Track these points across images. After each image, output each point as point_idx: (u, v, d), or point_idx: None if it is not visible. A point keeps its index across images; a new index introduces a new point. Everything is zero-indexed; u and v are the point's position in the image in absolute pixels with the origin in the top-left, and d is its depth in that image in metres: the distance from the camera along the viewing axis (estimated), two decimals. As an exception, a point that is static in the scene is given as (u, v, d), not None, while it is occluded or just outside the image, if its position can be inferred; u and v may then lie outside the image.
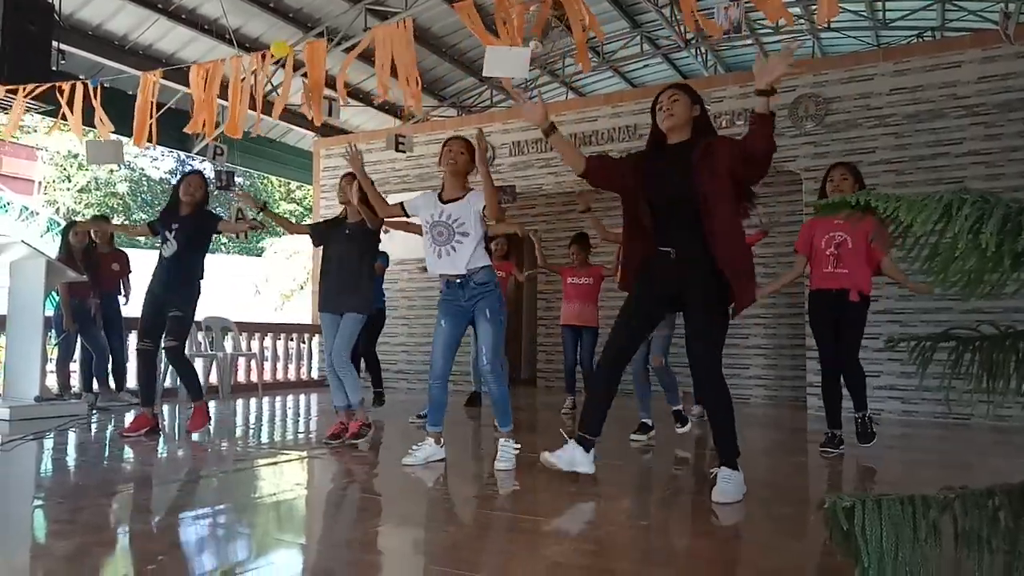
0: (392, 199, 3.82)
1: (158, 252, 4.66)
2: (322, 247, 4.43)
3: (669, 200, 3.01)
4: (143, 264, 6.92)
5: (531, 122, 3.18)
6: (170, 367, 6.16)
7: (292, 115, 9.52)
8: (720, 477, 2.88)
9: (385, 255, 5.76)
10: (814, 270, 4.12)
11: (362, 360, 5.90)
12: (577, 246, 6.13)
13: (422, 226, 3.66)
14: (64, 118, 5.95)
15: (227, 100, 5.61)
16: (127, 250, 7.00)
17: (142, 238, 5.49)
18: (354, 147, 3.92)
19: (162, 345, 4.60)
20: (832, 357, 4.09)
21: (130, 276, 6.64)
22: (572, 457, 3.11)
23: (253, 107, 5.54)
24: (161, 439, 4.43)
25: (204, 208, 4.69)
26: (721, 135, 3.12)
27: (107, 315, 6.38)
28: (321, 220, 4.66)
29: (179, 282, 4.51)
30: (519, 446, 3.57)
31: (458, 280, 3.56)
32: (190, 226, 4.55)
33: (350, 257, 4.21)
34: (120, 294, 6.57)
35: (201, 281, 4.63)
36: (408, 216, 3.80)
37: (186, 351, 4.75)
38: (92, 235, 6.36)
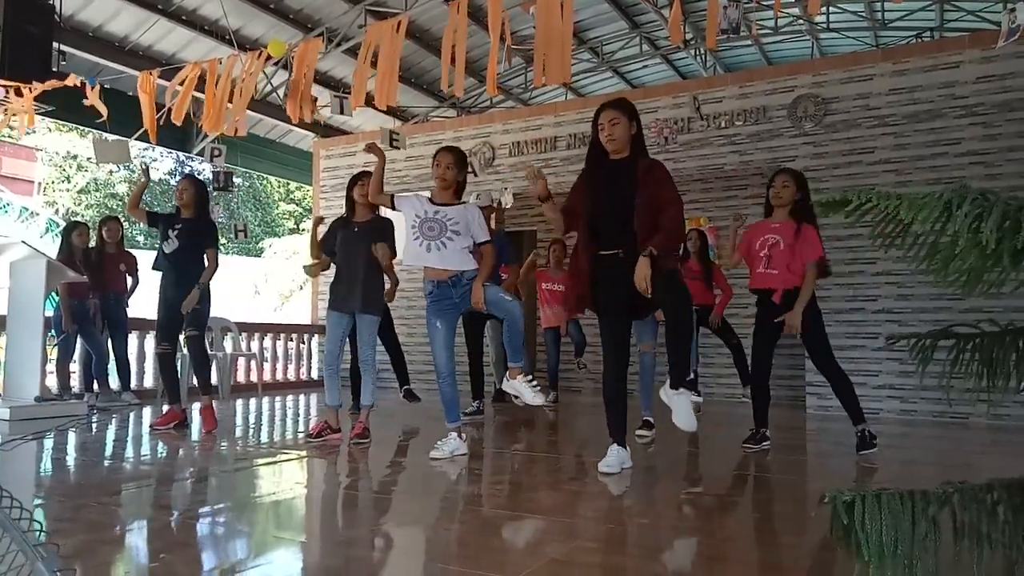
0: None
1: (158, 249, 4.84)
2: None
3: (616, 211, 3.29)
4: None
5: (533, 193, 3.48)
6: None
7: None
8: (684, 398, 3.18)
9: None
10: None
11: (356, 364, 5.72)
12: (555, 247, 6.48)
13: (406, 222, 3.80)
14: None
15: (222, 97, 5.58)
16: (135, 252, 6.92)
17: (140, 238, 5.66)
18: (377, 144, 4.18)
19: (182, 336, 4.79)
20: None
21: (136, 275, 6.51)
22: (620, 459, 3.33)
23: (249, 107, 5.53)
24: (142, 437, 4.43)
25: (206, 215, 4.94)
26: (658, 161, 3.42)
27: (112, 316, 6.32)
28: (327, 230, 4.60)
29: (188, 278, 4.68)
30: (535, 381, 3.72)
31: (449, 280, 3.72)
32: (190, 228, 4.78)
33: (357, 256, 4.22)
34: (126, 294, 6.47)
35: None
36: (394, 208, 3.90)
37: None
38: (103, 235, 6.38)
